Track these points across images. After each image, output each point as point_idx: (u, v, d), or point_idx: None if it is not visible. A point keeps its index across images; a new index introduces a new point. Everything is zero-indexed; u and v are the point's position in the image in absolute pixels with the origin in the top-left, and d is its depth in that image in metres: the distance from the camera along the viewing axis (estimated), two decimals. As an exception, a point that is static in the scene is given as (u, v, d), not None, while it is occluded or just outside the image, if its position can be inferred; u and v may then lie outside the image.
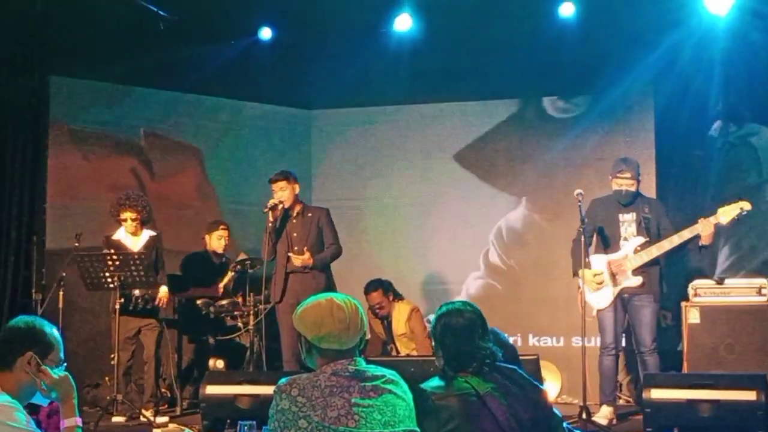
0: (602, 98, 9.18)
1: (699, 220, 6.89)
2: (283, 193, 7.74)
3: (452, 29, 9.02)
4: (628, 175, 7.18)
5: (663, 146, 9.11)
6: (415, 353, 8.41)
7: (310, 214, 7.87)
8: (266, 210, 7.68)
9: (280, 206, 7.70)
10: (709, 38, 8.58)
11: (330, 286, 7.65)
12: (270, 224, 7.68)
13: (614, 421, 7.02)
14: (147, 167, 9.69)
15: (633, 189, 7.21)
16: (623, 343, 7.56)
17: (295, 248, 7.72)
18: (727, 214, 6.84)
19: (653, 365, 7.04)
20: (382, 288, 8.40)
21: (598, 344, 7.50)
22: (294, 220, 7.82)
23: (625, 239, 7.19)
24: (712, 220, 6.86)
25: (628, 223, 7.22)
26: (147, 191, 9.06)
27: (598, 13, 8.73)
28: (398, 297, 8.52)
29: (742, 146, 9.06)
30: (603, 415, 7.04)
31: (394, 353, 8.51)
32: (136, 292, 7.78)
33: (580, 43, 8.76)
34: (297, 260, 7.62)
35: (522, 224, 9.61)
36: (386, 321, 8.52)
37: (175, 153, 9.89)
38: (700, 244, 7.00)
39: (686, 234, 6.93)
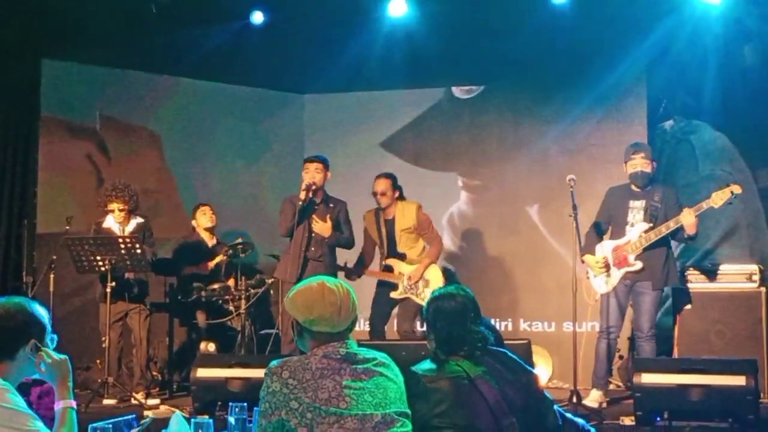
0: (596, 85, 9.17)
1: (683, 210, 6.93)
2: (317, 175, 7.84)
3: (446, 15, 9.00)
4: (642, 154, 7.21)
5: (656, 134, 9.11)
6: (412, 252, 8.22)
7: (332, 205, 7.98)
8: (303, 189, 7.74)
9: (313, 188, 7.79)
10: (703, 26, 8.59)
11: (333, 275, 7.74)
12: (300, 203, 7.74)
13: (604, 405, 7.06)
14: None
15: (648, 170, 7.23)
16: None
17: (314, 234, 7.83)
18: (719, 198, 6.88)
19: (649, 351, 7.07)
20: (392, 180, 8.23)
21: (589, 329, 7.54)
22: (316, 207, 7.92)
23: (632, 225, 7.22)
24: (704, 205, 6.88)
25: (636, 210, 7.24)
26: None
27: (592, -1, 8.76)
28: (402, 198, 8.42)
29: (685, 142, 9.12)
30: (593, 399, 7.08)
31: (386, 259, 8.28)
32: (128, 275, 7.78)
33: (574, 30, 8.76)
34: (318, 225, 7.77)
35: (511, 211, 9.62)
36: (383, 220, 8.30)
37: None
38: (685, 235, 7.04)
39: (671, 224, 6.97)
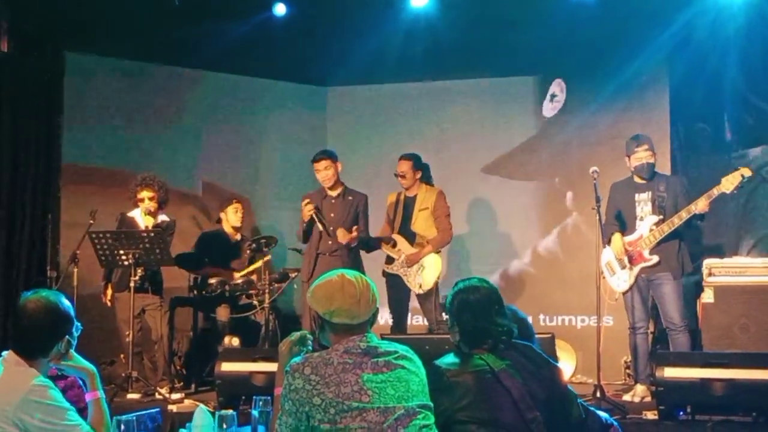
0: (617, 76, 9.12)
1: (698, 200, 6.89)
2: (327, 172, 7.84)
3: (468, 6, 8.98)
4: (645, 146, 7.19)
5: (678, 124, 9.06)
6: (428, 233, 8.18)
7: (350, 198, 7.95)
8: (306, 210, 7.78)
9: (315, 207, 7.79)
10: (725, 15, 8.52)
11: (355, 268, 7.72)
12: (305, 223, 7.83)
13: (648, 399, 6.98)
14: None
15: (652, 161, 7.20)
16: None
17: (331, 228, 7.80)
18: (729, 183, 6.83)
19: (685, 343, 7.02)
20: (414, 161, 8.20)
21: (613, 323, 7.49)
22: (333, 201, 7.91)
23: (641, 219, 7.18)
24: (715, 191, 6.83)
25: (644, 202, 7.20)
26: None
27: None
28: (426, 181, 8.37)
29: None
30: (638, 393, 7.06)
31: (394, 233, 8.28)
32: (139, 271, 7.64)
33: (596, 20, 8.72)
34: (344, 237, 7.73)
35: (533, 203, 9.58)
36: (404, 197, 8.29)
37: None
38: (697, 220, 7.04)
39: (684, 215, 6.91)
